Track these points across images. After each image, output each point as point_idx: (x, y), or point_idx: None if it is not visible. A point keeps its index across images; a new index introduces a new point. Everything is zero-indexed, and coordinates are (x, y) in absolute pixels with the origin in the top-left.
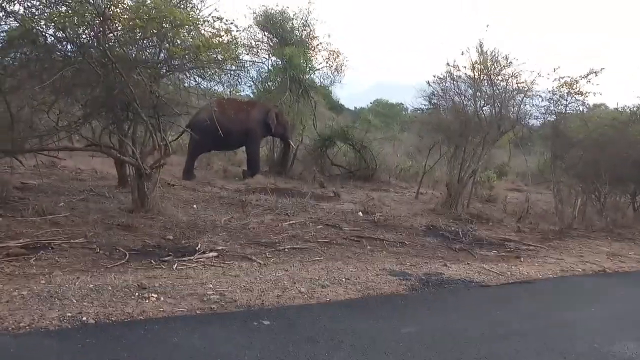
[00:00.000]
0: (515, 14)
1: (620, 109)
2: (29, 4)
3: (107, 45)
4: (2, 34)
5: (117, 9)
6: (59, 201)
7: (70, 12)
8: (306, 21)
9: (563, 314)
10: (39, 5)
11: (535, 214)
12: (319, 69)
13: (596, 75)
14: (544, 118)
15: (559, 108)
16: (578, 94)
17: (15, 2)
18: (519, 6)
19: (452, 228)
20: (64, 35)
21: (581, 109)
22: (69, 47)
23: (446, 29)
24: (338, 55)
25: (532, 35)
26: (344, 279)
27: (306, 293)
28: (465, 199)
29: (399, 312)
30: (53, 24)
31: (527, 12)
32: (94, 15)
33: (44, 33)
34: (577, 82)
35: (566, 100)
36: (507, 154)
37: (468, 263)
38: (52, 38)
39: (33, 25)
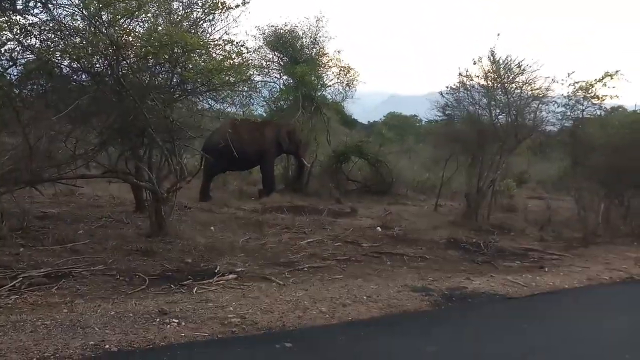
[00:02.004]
0: None
1: (639, 111)
2: (44, 37)
3: (120, 73)
4: (19, 67)
5: (130, 38)
6: (78, 229)
7: (84, 42)
8: (315, 39)
9: (592, 325)
10: (55, 37)
11: (558, 221)
12: (330, 86)
13: (611, 78)
14: (561, 124)
15: (576, 113)
16: (594, 98)
17: (32, 36)
18: None
19: (473, 240)
20: (78, 65)
21: (599, 113)
22: (83, 76)
23: (457, 29)
24: (349, 71)
25: (519, 19)
26: (365, 297)
27: (327, 313)
28: (485, 209)
29: (423, 329)
30: (68, 55)
31: None
32: (107, 44)
33: (59, 64)
34: (592, 87)
35: (582, 105)
36: (526, 162)
37: (491, 275)
38: (68, 69)
39: (49, 57)
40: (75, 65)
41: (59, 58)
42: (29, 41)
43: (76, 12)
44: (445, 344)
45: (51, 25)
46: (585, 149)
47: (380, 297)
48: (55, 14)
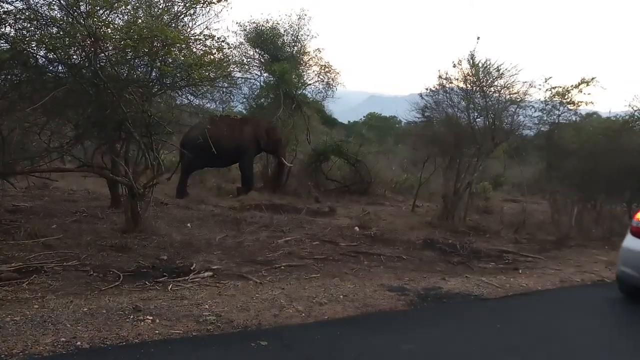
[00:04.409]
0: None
1: (612, 118)
2: (19, 26)
3: (98, 65)
4: None
5: (108, 29)
6: (52, 223)
7: (61, 33)
8: (297, 37)
9: (564, 327)
10: (30, 27)
11: (532, 224)
12: (310, 84)
13: (587, 85)
14: (537, 128)
15: (552, 118)
16: (570, 103)
17: (6, 24)
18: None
19: (450, 241)
20: (55, 56)
21: (574, 119)
22: (60, 68)
23: (437, 30)
24: (329, 70)
25: (501, 18)
26: (341, 296)
27: (304, 311)
28: (462, 210)
29: (398, 328)
30: (44, 45)
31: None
32: (85, 36)
33: (35, 54)
34: (569, 92)
35: (559, 110)
36: (502, 165)
37: (466, 276)
38: (43, 59)
39: (24, 47)
40: (51, 56)
41: (35, 48)
42: (3, 30)
43: (53, 2)
44: (421, 343)
45: (27, 14)
46: (560, 154)
47: (357, 297)
48: (32, 2)
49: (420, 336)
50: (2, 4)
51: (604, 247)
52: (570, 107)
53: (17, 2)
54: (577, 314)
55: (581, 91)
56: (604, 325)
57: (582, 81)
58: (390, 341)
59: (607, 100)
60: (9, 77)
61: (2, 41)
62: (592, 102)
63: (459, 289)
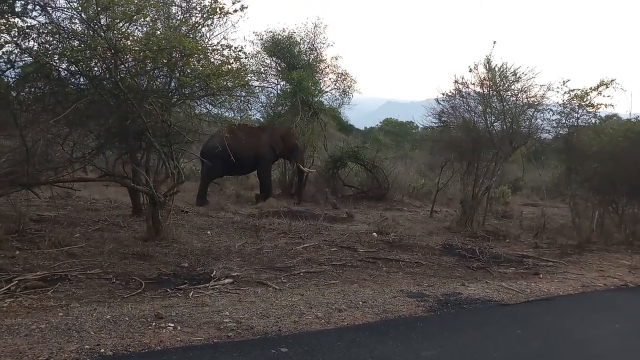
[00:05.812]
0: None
1: (633, 119)
2: (42, 39)
3: (118, 76)
4: (17, 70)
5: (128, 42)
6: (75, 232)
7: (82, 46)
8: (313, 45)
9: (586, 332)
10: (53, 40)
11: (553, 228)
12: (327, 91)
13: (607, 87)
14: (556, 131)
15: (571, 121)
16: (589, 106)
17: (30, 38)
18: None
19: (469, 246)
20: (76, 68)
21: (593, 121)
22: (81, 80)
23: (452, 35)
24: (346, 77)
25: (518, 20)
26: (360, 302)
27: (323, 318)
28: (481, 215)
29: (418, 334)
30: (66, 58)
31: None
32: (105, 48)
33: (57, 67)
34: (587, 95)
35: (577, 113)
36: (521, 169)
37: (486, 281)
38: (66, 72)
39: (47, 60)
40: (73, 69)
41: (57, 61)
42: (27, 44)
43: (75, 16)
44: (441, 349)
45: (49, 28)
46: (580, 157)
47: (376, 303)
48: (54, 17)
49: (440, 342)
50: (25, 19)
51: (627, 251)
52: (590, 109)
53: (40, 16)
54: (599, 319)
55: (600, 93)
56: (627, 331)
57: (602, 83)
58: (410, 347)
59: (628, 102)
60: (32, 89)
61: (26, 55)
62: (612, 105)
63: (478, 294)
